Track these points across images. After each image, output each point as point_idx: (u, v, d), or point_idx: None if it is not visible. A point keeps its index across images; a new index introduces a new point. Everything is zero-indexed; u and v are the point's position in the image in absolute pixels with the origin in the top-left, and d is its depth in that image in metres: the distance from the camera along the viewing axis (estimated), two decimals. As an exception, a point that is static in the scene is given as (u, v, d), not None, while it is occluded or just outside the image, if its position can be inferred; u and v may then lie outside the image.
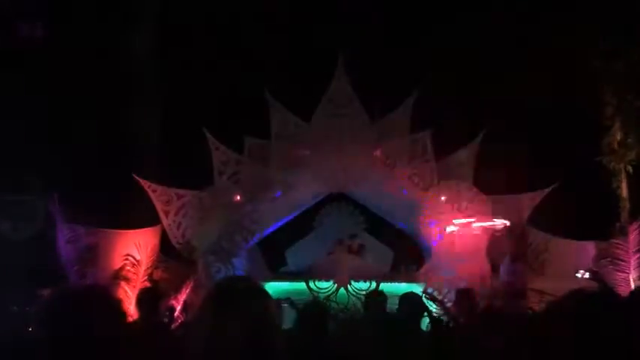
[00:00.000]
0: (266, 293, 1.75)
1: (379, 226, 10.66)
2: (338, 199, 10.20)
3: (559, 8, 10.65)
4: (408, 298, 4.90)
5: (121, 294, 9.27)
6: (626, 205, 10.23)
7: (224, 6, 12.18)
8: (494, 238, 9.51)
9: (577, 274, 8.53)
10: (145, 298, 4.59)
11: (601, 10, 10.21)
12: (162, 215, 9.87)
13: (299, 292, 8.75)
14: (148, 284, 9.25)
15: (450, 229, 9.48)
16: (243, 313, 1.65)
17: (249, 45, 12.08)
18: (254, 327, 1.64)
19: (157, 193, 9.93)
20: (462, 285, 8.97)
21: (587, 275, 8.16)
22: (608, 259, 8.99)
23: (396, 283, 9.13)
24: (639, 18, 10.26)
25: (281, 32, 12.17)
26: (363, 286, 9.13)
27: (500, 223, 9.41)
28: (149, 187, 9.95)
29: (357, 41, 11.88)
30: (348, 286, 9.20)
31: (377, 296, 5.35)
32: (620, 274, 8.86)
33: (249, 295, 1.71)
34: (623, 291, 8.33)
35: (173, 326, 6.76)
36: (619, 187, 10.36)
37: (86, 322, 1.75)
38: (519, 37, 10.82)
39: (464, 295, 5.47)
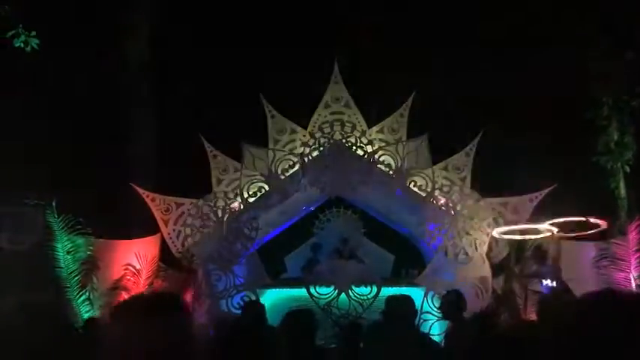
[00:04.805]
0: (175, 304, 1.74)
1: (379, 231, 10.62)
2: (337, 204, 10.16)
3: (555, 7, 10.65)
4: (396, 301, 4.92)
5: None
6: (625, 204, 10.27)
7: (219, 8, 12.16)
8: (495, 240, 9.53)
9: (543, 283, 8.61)
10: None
11: (598, 10, 10.22)
12: (161, 224, 9.84)
13: (299, 299, 8.74)
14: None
15: (449, 232, 9.47)
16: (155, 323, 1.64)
17: (245, 49, 12.04)
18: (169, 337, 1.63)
19: (155, 202, 9.91)
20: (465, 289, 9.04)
21: (553, 284, 8.27)
22: (609, 259, 9.02)
23: (397, 288, 9.12)
24: (635, 17, 10.28)
25: (277, 35, 12.14)
26: (364, 291, 9.11)
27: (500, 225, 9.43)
28: (147, 196, 9.92)
29: (353, 42, 11.88)
30: (349, 291, 9.16)
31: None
32: (620, 273, 8.89)
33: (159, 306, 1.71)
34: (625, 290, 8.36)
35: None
36: (617, 186, 10.40)
37: None
38: (516, 37, 10.81)
39: None
